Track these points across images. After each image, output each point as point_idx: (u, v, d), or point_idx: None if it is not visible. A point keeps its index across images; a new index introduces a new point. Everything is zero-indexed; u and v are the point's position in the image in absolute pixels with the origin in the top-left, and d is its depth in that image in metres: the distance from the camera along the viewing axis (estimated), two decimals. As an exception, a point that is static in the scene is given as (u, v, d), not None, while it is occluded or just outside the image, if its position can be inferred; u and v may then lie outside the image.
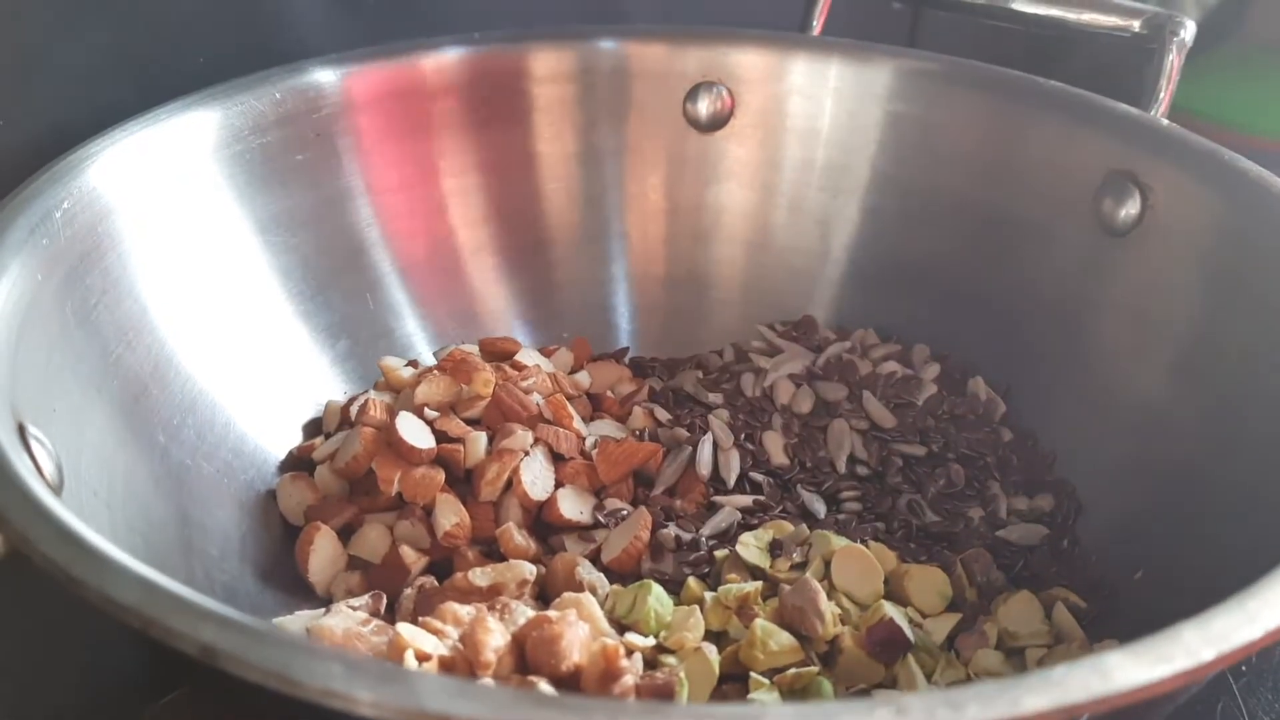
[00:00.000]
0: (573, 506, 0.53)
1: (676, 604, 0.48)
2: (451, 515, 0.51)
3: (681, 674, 0.43)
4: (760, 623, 0.45)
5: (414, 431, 0.53)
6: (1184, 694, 0.36)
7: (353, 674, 0.26)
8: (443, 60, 0.63)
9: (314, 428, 0.58)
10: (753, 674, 0.44)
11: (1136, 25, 0.61)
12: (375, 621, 0.44)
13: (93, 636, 0.47)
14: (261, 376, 0.56)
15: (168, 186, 0.53)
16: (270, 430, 0.55)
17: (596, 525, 0.53)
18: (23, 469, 0.34)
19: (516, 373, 0.57)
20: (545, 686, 0.38)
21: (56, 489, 0.37)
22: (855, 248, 0.67)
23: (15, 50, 0.53)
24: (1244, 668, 0.53)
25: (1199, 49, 0.62)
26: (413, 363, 0.61)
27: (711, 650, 0.44)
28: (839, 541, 0.50)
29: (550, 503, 0.53)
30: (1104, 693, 0.27)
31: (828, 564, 0.49)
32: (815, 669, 0.44)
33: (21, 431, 0.37)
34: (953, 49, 0.65)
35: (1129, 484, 0.53)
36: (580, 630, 0.40)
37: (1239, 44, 0.88)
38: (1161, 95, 0.60)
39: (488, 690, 0.26)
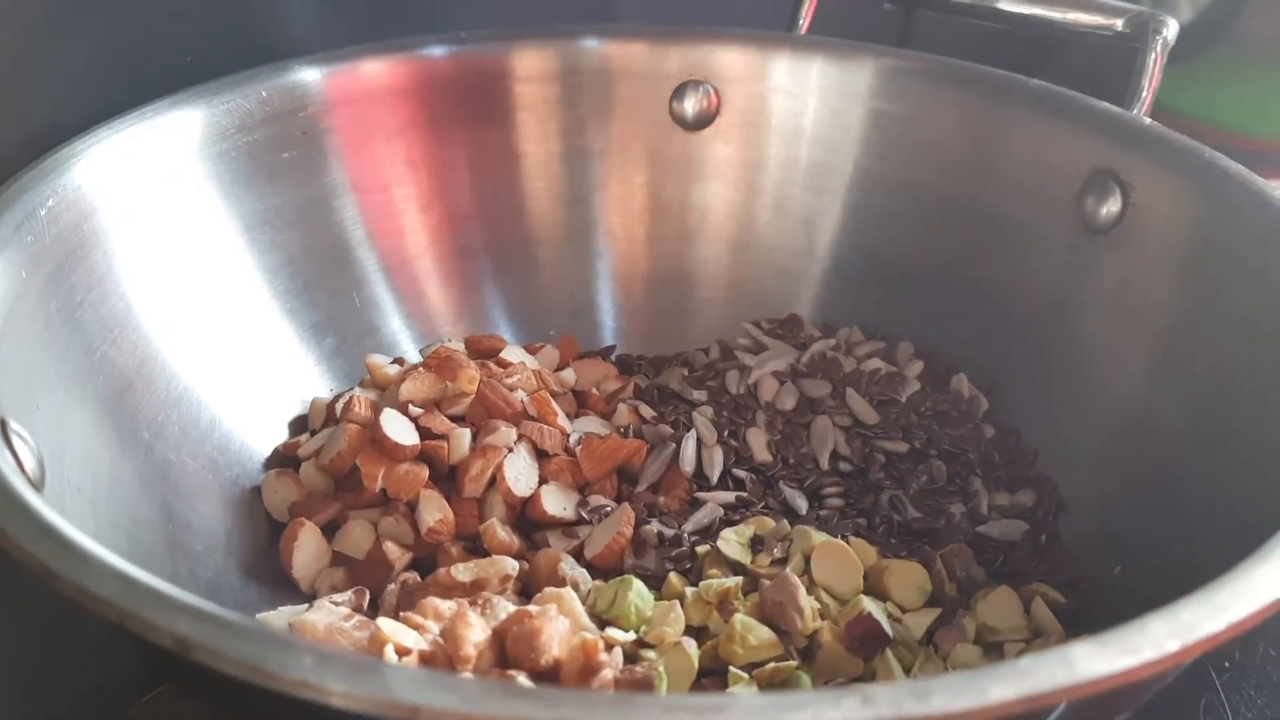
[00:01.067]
0: (556, 503, 0.53)
1: (657, 599, 0.48)
2: (435, 511, 0.51)
3: (661, 668, 0.43)
4: (740, 618, 0.45)
5: (398, 428, 0.53)
6: (1156, 684, 0.36)
7: (325, 665, 0.26)
8: (429, 59, 0.64)
9: (299, 425, 0.58)
10: (731, 669, 0.44)
11: (1119, 24, 0.61)
12: (358, 617, 0.44)
13: (84, 634, 0.47)
14: (247, 374, 0.56)
15: (153, 184, 0.53)
16: (255, 427, 0.56)
17: (580, 521, 0.53)
18: (3, 464, 0.34)
19: (501, 370, 0.58)
20: (525, 681, 0.38)
21: (38, 485, 0.37)
22: (839, 246, 0.67)
23: (5, 52, 0.54)
24: (1227, 664, 0.53)
25: (1193, 51, 0.62)
26: (398, 360, 0.61)
27: (691, 645, 0.45)
28: (819, 537, 0.50)
29: (534, 499, 0.53)
30: (1070, 682, 0.27)
31: (808, 559, 0.49)
32: (794, 663, 0.44)
33: (3, 427, 0.37)
34: (944, 50, 0.65)
35: (1109, 480, 0.53)
36: (560, 625, 0.40)
37: (1232, 45, 0.88)
38: (1144, 94, 0.60)
39: (459, 681, 0.26)
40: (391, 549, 0.51)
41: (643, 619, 0.46)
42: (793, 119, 0.66)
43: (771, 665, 0.44)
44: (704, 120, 0.67)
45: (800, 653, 0.45)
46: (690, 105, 0.67)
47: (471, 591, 0.46)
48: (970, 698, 0.26)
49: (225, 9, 0.62)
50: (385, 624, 0.40)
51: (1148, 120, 0.58)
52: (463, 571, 0.47)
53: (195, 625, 0.27)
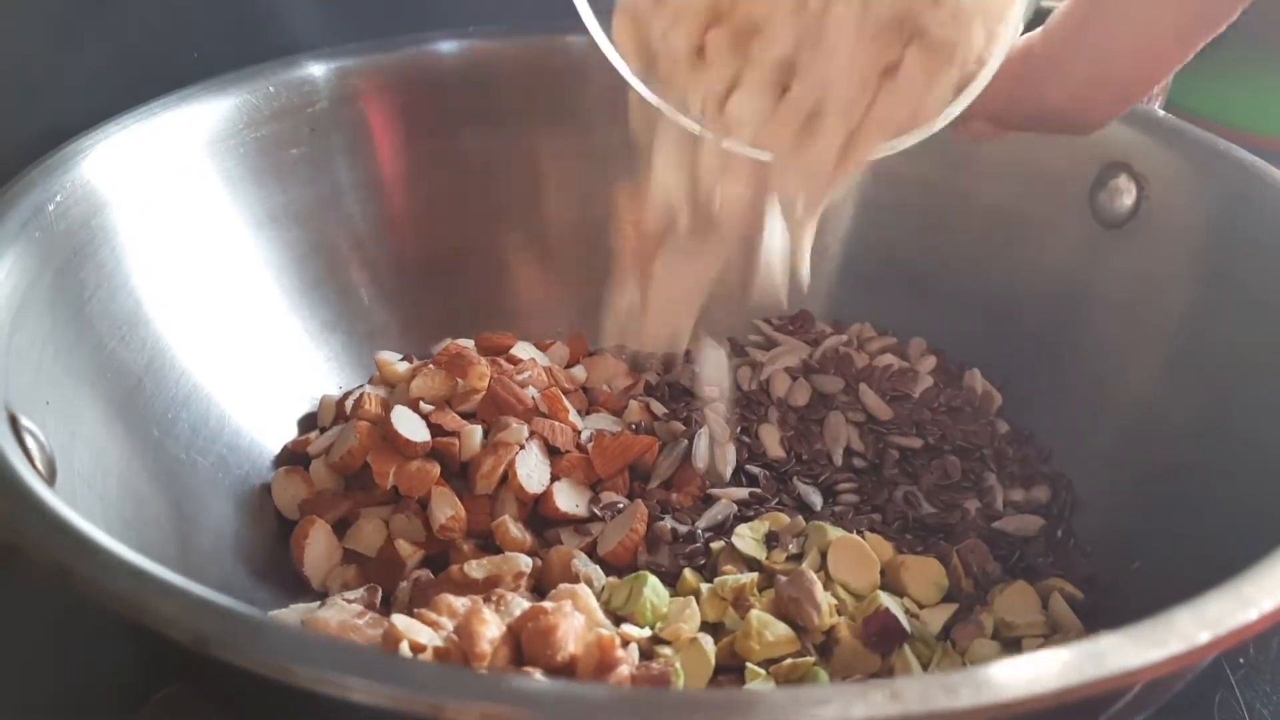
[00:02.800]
0: (568, 500, 0.53)
1: (672, 595, 0.47)
2: (447, 508, 0.51)
3: (677, 664, 0.43)
4: (756, 613, 0.45)
5: (409, 425, 0.53)
6: (1180, 679, 0.36)
7: (345, 661, 0.26)
8: (437, 55, 0.63)
9: (309, 422, 0.58)
10: (749, 665, 0.43)
11: (1131, 17, 0.61)
12: (370, 614, 0.44)
13: (87, 634, 0.47)
14: (257, 371, 0.56)
15: (162, 180, 0.53)
16: (265, 425, 0.55)
17: (592, 518, 0.53)
18: (15, 460, 0.34)
19: (512, 366, 0.57)
20: (540, 678, 0.38)
21: (49, 481, 0.37)
22: (851, 242, 0.66)
23: (13, 50, 0.53)
24: (1242, 660, 0.53)
25: (1203, 50, 0.62)
26: (408, 357, 0.61)
27: (708, 641, 0.44)
28: (835, 532, 0.50)
29: (546, 496, 0.53)
30: (1098, 676, 0.27)
31: (824, 555, 0.49)
32: (811, 659, 0.44)
33: (14, 423, 0.37)
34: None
35: (1124, 475, 0.53)
36: (576, 621, 0.40)
37: (1239, 44, 0.88)
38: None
39: (479, 677, 0.26)
40: (403, 546, 0.50)
41: (658, 615, 0.46)
42: (804, 113, 0.66)
43: (789, 661, 0.44)
44: (715, 115, 0.67)
45: (817, 649, 0.45)
46: (699, 99, 0.67)
47: (485, 589, 0.46)
48: (1000, 692, 0.26)
49: (232, 6, 0.62)
50: (399, 620, 0.40)
51: (1161, 113, 0.58)
52: (476, 569, 0.47)
53: (213, 621, 0.27)
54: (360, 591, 0.47)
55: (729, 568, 0.49)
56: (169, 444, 0.49)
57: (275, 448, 0.56)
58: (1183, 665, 0.28)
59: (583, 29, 0.45)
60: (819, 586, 0.45)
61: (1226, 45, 0.84)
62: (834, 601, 0.46)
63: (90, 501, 0.41)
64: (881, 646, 0.45)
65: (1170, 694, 0.39)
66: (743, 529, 0.51)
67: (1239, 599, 0.30)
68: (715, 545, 0.51)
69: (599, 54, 0.65)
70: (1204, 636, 0.28)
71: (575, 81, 0.66)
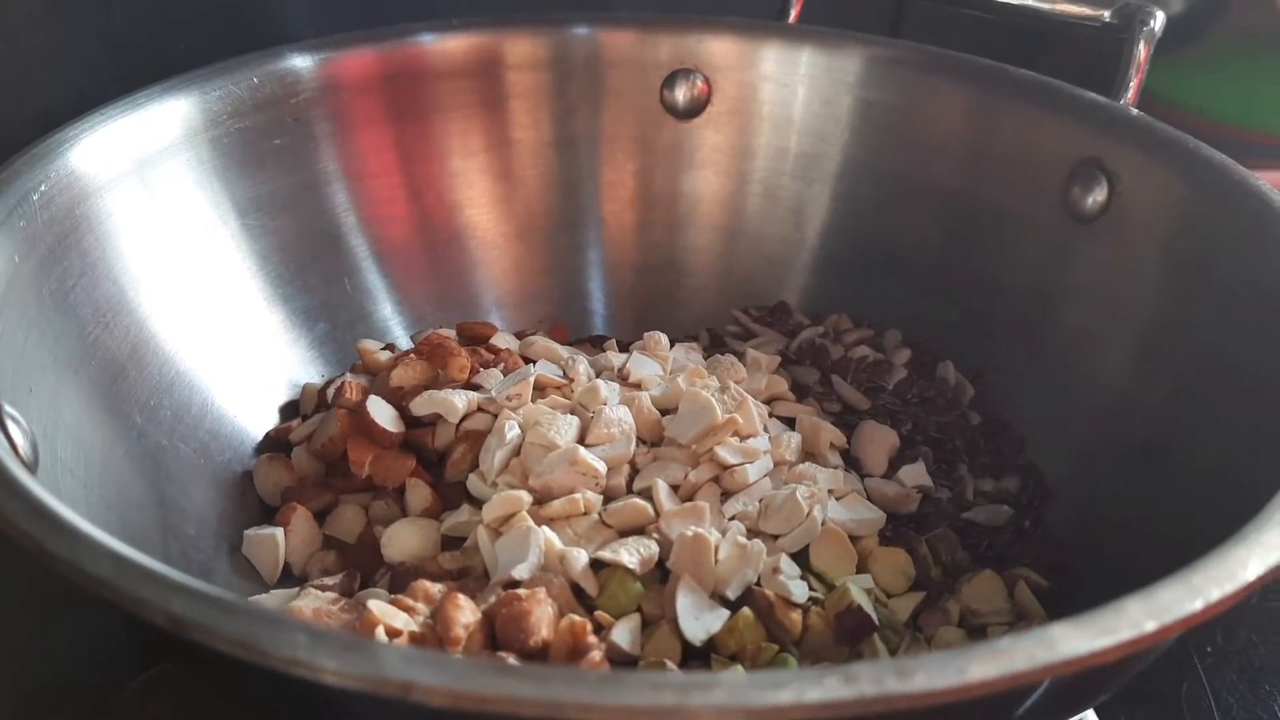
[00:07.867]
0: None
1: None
2: (422, 498, 0.52)
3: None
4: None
5: (384, 414, 0.53)
6: (1136, 663, 0.37)
7: (317, 643, 0.26)
8: (420, 47, 0.64)
9: (291, 410, 0.58)
10: (714, 655, 0.44)
11: (1107, 15, 0.62)
12: (345, 600, 0.45)
13: (78, 614, 0.48)
14: (239, 359, 0.56)
15: (146, 170, 0.53)
16: (248, 412, 0.56)
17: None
18: (-2, 447, 0.34)
19: (491, 355, 0.58)
20: (513, 661, 0.39)
21: (31, 467, 0.37)
22: (828, 234, 0.67)
23: (0, 41, 0.54)
24: (1209, 649, 0.54)
25: (1183, 41, 0.62)
26: (390, 346, 0.61)
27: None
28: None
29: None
30: (1049, 661, 0.27)
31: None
32: (776, 648, 0.44)
33: (-3, 409, 0.37)
34: (935, 40, 0.66)
35: (1093, 466, 0.54)
36: (548, 608, 0.41)
37: (1222, 36, 0.88)
38: (1130, 84, 0.60)
39: (450, 659, 0.26)
40: (382, 533, 0.51)
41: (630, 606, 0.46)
42: (783, 108, 0.67)
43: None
44: (695, 109, 0.68)
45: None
46: (681, 94, 0.67)
47: (459, 577, 0.47)
48: (952, 676, 0.27)
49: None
50: (375, 606, 0.40)
51: (1134, 110, 0.59)
52: (449, 559, 0.48)
53: (189, 604, 0.28)
54: (338, 578, 0.48)
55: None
56: (152, 430, 0.49)
57: (258, 435, 0.56)
58: (1132, 651, 0.29)
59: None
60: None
61: (1207, 37, 0.84)
62: (811, 593, 0.47)
63: (73, 487, 0.41)
64: (852, 641, 0.45)
65: (1129, 677, 0.39)
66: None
67: (1188, 588, 0.30)
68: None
69: (580, 45, 0.66)
70: (1151, 625, 0.29)
71: (557, 73, 0.67)
